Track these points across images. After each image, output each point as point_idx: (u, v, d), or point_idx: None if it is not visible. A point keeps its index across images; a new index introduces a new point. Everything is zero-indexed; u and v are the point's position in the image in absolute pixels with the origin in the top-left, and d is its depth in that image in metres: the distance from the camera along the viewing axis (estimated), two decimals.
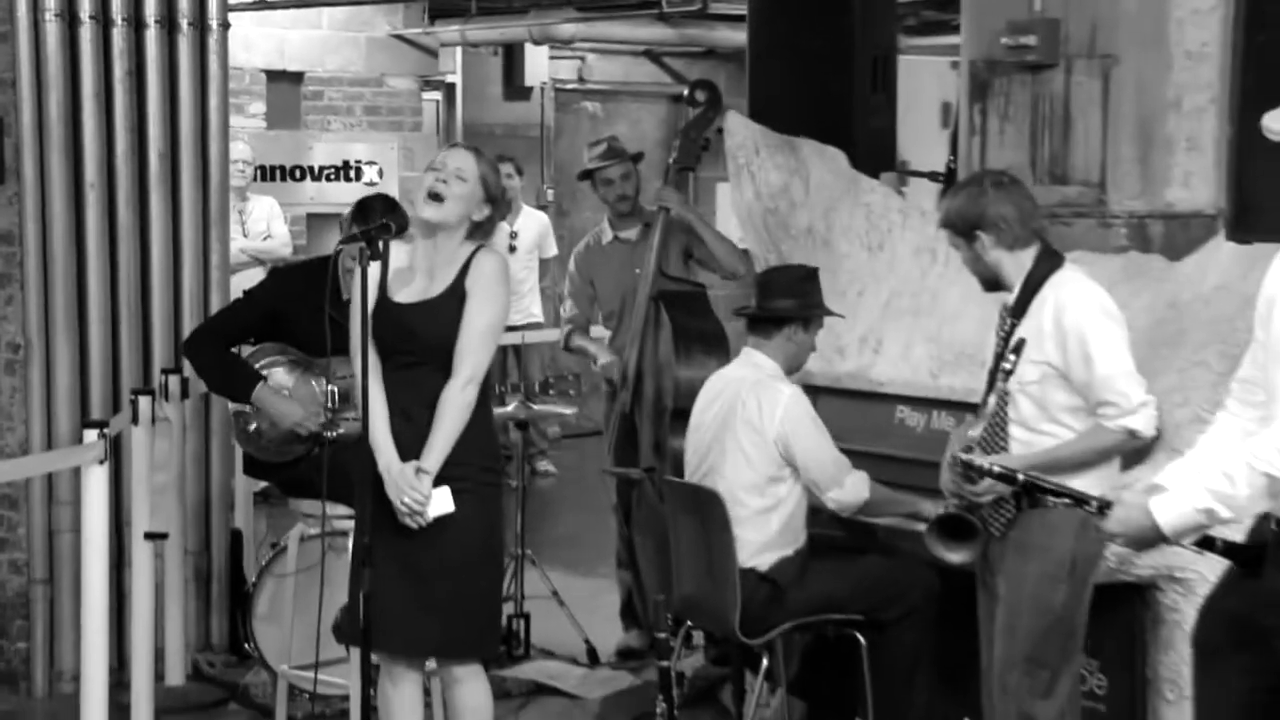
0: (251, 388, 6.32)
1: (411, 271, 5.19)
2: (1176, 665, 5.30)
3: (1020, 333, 4.98)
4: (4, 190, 7.07)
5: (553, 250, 11.67)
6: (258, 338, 6.53)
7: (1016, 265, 5.05)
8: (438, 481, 5.06)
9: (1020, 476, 4.53)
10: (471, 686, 5.28)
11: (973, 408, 5.17)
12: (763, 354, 6.07)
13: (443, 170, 5.10)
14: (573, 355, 8.00)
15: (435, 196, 5.08)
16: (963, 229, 5.07)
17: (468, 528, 5.14)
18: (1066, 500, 4.42)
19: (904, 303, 6.69)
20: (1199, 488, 3.97)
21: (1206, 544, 4.13)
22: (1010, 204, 5.07)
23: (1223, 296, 5.70)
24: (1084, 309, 4.94)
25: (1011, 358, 4.93)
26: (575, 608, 7.63)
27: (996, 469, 4.61)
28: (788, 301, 6.09)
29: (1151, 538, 4.07)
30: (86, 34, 7.04)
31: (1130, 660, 5.67)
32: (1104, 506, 4.19)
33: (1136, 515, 4.07)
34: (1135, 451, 5.13)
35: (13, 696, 7.08)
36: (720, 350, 7.11)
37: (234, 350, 6.51)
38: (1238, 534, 4.22)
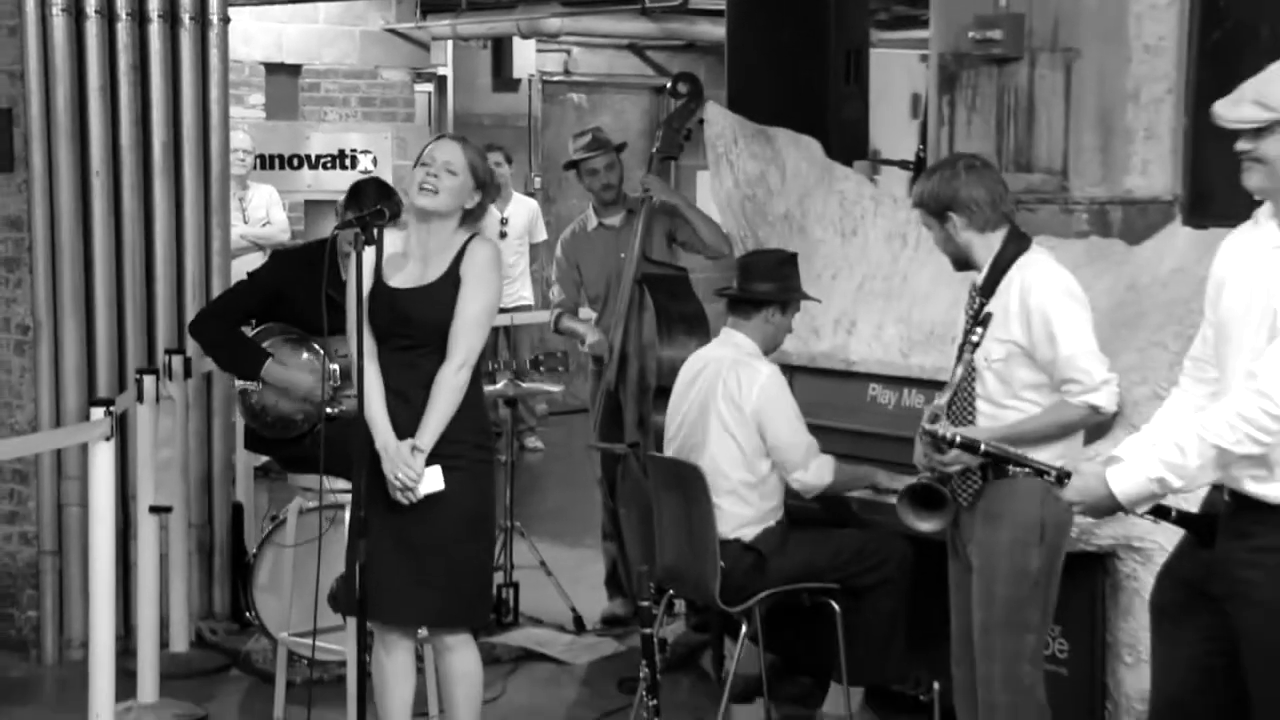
0: (260, 364, 6.32)
1: (406, 257, 5.19)
2: (1135, 631, 5.32)
3: (995, 310, 4.98)
4: (13, 178, 7.08)
5: (542, 235, 11.68)
6: (260, 318, 6.54)
7: (986, 246, 5.02)
8: (431, 460, 5.07)
9: (982, 446, 4.56)
10: (462, 654, 5.29)
11: (942, 386, 5.19)
12: (742, 334, 6.09)
13: (433, 164, 5.10)
14: (561, 336, 8.02)
15: (428, 190, 5.11)
16: (936, 210, 5.04)
17: (460, 503, 5.15)
18: (1026, 470, 4.45)
19: (876, 285, 6.71)
20: (1152, 458, 4.00)
21: (1162, 513, 4.17)
22: (982, 187, 5.07)
23: (1179, 279, 5.72)
24: (1049, 290, 4.94)
25: (979, 330, 4.94)
26: (562, 577, 7.65)
27: (959, 438, 4.64)
28: (767, 285, 6.10)
29: (1108, 506, 4.10)
30: (92, 28, 7.04)
31: (1091, 626, 5.70)
32: (1063, 476, 4.22)
33: (1094, 484, 4.10)
34: (1097, 427, 5.16)
35: (23, 663, 7.09)
36: (701, 331, 7.13)
37: (239, 330, 6.52)
38: (1192, 505, 4.27)
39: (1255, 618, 4.00)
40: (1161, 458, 3.97)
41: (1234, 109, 3.92)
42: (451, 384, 5.10)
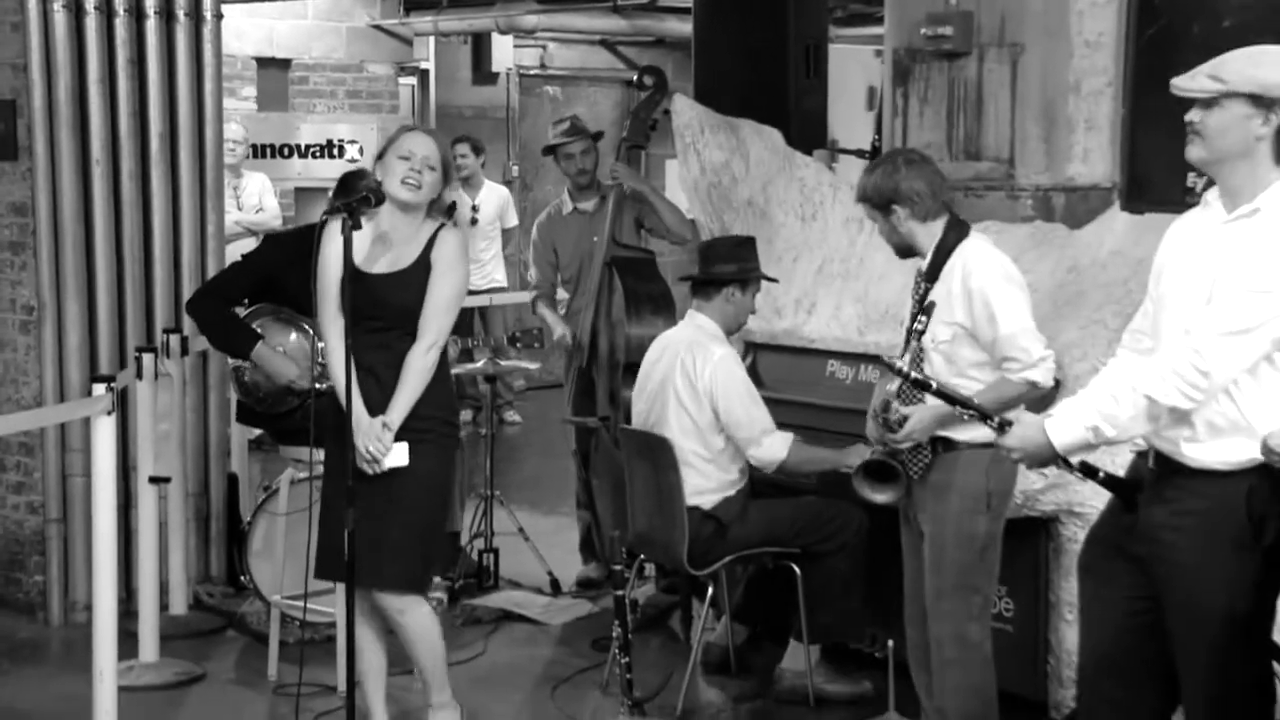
0: (251, 345, 6.32)
1: (376, 243, 5.19)
2: (1076, 590, 5.35)
3: (932, 296, 5.00)
4: (17, 166, 7.05)
5: (513, 220, 11.67)
6: (253, 299, 6.53)
7: (928, 234, 5.04)
8: (399, 435, 5.09)
9: (934, 385, 4.57)
10: (414, 615, 5.27)
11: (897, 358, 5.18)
12: (704, 315, 6.09)
13: (413, 160, 5.11)
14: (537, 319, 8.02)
15: (412, 185, 5.11)
16: (879, 203, 5.05)
17: (424, 474, 5.17)
18: (973, 412, 4.46)
19: (834, 268, 6.73)
20: (1088, 408, 4.01)
21: (1090, 473, 4.18)
22: (922, 180, 5.08)
23: (1118, 261, 5.75)
24: (989, 274, 4.95)
25: (922, 319, 4.97)
26: (539, 543, 7.64)
27: (914, 376, 4.64)
28: (727, 266, 6.10)
29: (1046, 454, 4.11)
30: (91, 24, 7.01)
31: (1035, 586, 5.73)
32: (1004, 424, 4.23)
33: (1033, 433, 4.11)
34: (1039, 399, 5.18)
35: (31, 625, 7.08)
36: (667, 310, 7.13)
37: (233, 309, 6.51)
38: (1119, 468, 4.29)
39: (1176, 577, 4.02)
40: (1096, 408, 3.99)
41: (1190, 80, 3.93)
42: (421, 365, 5.12)
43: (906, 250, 5.12)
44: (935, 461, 5.02)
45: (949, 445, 4.99)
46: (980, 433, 4.64)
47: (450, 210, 5.54)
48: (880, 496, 5.08)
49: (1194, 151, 3.96)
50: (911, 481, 5.07)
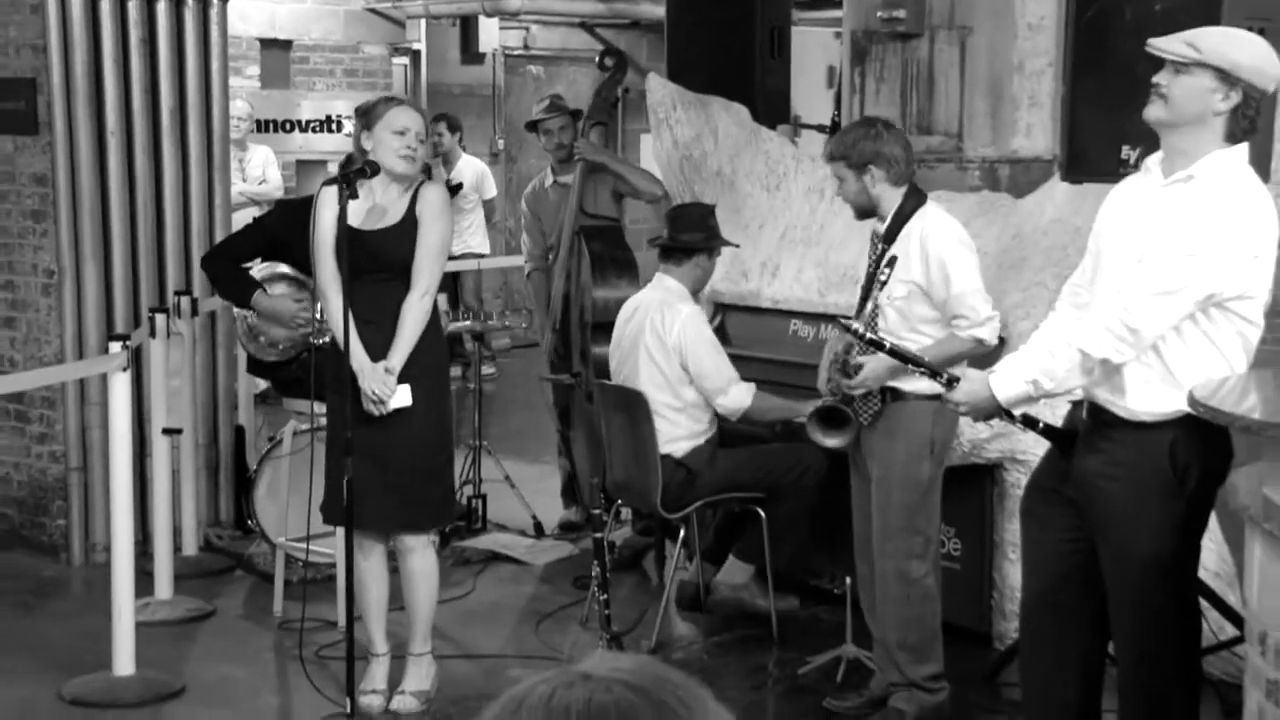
0: (250, 293, 6.36)
1: (369, 209, 5.21)
2: (1018, 532, 5.38)
3: (893, 254, 5.01)
4: (38, 140, 7.03)
5: (492, 191, 11.57)
6: (265, 258, 6.55)
7: (893, 198, 5.02)
8: (401, 379, 5.10)
9: (887, 344, 4.59)
10: (421, 555, 5.31)
11: (852, 319, 5.19)
12: (672, 278, 6.10)
13: (407, 135, 5.13)
14: (529, 282, 8.02)
15: (408, 158, 5.14)
16: (858, 162, 4.99)
17: (423, 416, 5.17)
18: (922, 370, 4.50)
19: (797, 234, 6.74)
20: (1028, 363, 4.05)
21: (1030, 423, 4.21)
22: (899, 146, 5.07)
23: (1058, 228, 5.77)
24: (945, 238, 4.97)
25: (886, 270, 4.97)
26: (524, 489, 7.65)
27: (869, 336, 4.66)
28: (696, 235, 6.11)
29: (990, 407, 4.14)
30: (106, 6, 6.97)
31: (981, 528, 5.78)
32: (952, 380, 4.26)
33: (978, 387, 4.14)
34: (984, 356, 5.20)
35: (55, 565, 7.09)
36: (631, 274, 7.12)
37: (240, 266, 6.52)
38: (1057, 419, 4.32)
39: (1108, 521, 4.06)
40: (1035, 363, 4.02)
41: (1168, 42, 3.90)
42: (417, 310, 5.14)
43: (867, 211, 5.10)
44: (884, 410, 5.05)
45: (897, 395, 5.02)
46: (926, 384, 4.67)
47: (455, 190, 5.58)
48: (831, 441, 5.10)
49: (1153, 111, 3.92)
50: (861, 428, 5.10)
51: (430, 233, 5.16)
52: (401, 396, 5.09)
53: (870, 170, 5.00)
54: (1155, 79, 3.91)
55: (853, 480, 5.30)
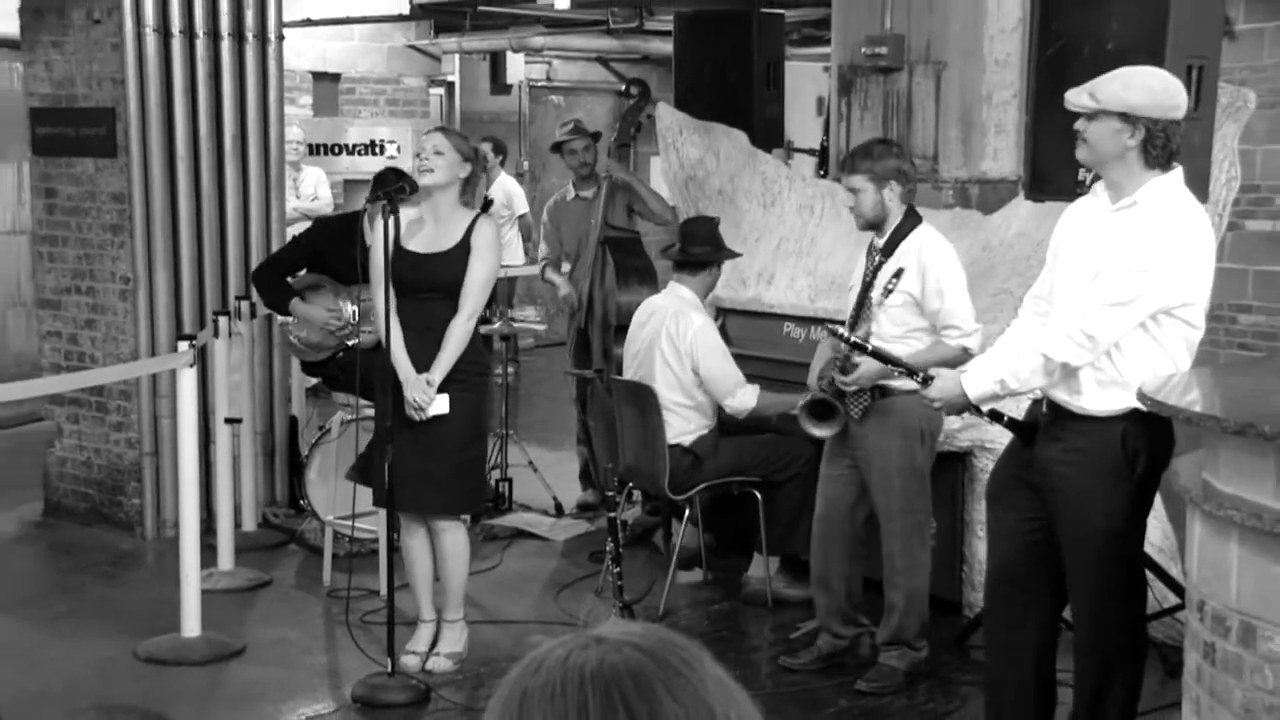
0: (287, 301, 6.40)
1: (420, 224, 5.20)
2: (986, 512, 5.39)
3: (889, 267, 4.99)
4: (116, 162, 7.05)
5: (524, 208, 11.60)
6: (309, 269, 6.56)
7: (897, 214, 5.00)
8: (440, 389, 5.10)
9: (870, 347, 4.61)
10: (453, 535, 5.31)
11: (840, 324, 5.19)
12: (685, 287, 6.11)
13: (425, 152, 5.15)
14: (545, 285, 8.03)
15: (426, 170, 5.13)
16: (882, 176, 4.94)
17: (461, 417, 5.17)
18: (901, 370, 4.51)
19: (790, 246, 6.74)
20: (996, 365, 4.07)
21: (997, 417, 4.23)
22: (912, 167, 5.08)
23: (1022, 241, 5.77)
24: (942, 258, 4.96)
25: (894, 280, 4.95)
26: (546, 473, 7.66)
27: (854, 340, 4.69)
28: (707, 248, 6.13)
29: (962, 403, 4.16)
30: (177, 45, 7.00)
31: (953, 509, 5.77)
32: (928, 378, 4.27)
33: (951, 385, 4.16)
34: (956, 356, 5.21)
35: (130, 539, 7.12)
36: (650, 281, 7.15)
37: (287, 278, 6.54)
38: (1020, 413, 4.32)
39: (1065, 503, 4.07)
40: (1003, 365, 4.04)
41: (1076, 96, 3.96)
42: (461, 332, 5.14)
43: (875, 224, 5.03)
44: (874, 405, 5.05)
45: (885, 392, 5.02)
46: (910, 384, 4.67)
47: (486, 206, 5.57)
48: (820, 431, 5.10)
49: (1081, 153, 4.00)
50: (850, 421, 5.10)
51: (480, 265, 5.13)
52: (439, 405, 5.09)
53: (890, 185, 4.97)
54: (1076, 126, 3.96)
55: (825, 468, 5.28)
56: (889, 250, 4.99)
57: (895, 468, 5.06)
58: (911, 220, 5.02)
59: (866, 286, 5.03)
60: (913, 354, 4.85)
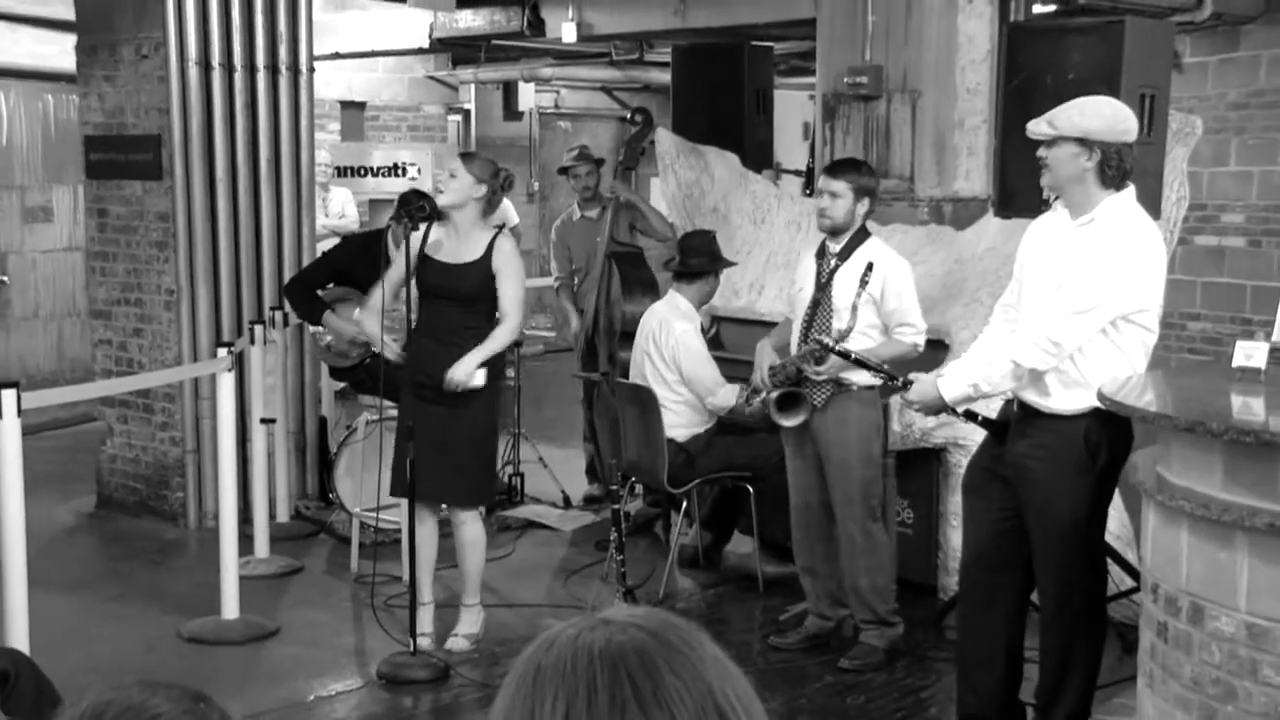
0: (320, 314, 6.41)
1: (444, 240, 5.22)
2: (960, 503, 5.40)
3: (847, 270, 4.99)
4: (161, 184, 7.06)
5: (514, 220, 11.50)
6: (336, 283, 6.56)
7: (856, 226, 5.05)
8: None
9: (852, 355, 4.63)
10: (470, 526, 5.31)
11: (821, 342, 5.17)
12: (682, 296, 6.12)
13: (442, 174, 5.21)
14: (556, 299, 8.02)
15: (440, 192, 5.16)
16: (860, 189, 5.00)
17: (475, 418, 5.17)
18: (884, 374, 4.52)
19: (779, 259, 6.76)
20: (970, 370, 4.08)
21: (971, 416, 4.24)
22: (879, 190, 5.19)
23: (991, 255, 5.78)
24: (897, 264, 5.00)
25: (868, 277, 4.96)
26: (555, 469, 7.67)
27: (838, 348, 4.71)
28: (704, 259, 6.14)
29: (938, 405, 4.17)
30: (217, 77, 7.01)
31: (929, 500, 5.78)
32: (906, 383, 4.28)
33: (928, 388, 4.17)
34: (929, 361, 5.21)
35: (174, 529, 7.12)
36: (653, 292, 7.13)
37: (316, 291, 6.55)
38: (992, 414, 4.33)
39: (1034, 494, 4.08)
40: (976, 369, 4.05)
41: (1036, 125, 3.98)
42: (505, 333, 5.15)
43: (840, 229, 5.05)
44: (835, 398, 5.04)
45: (843, 386, 5.03)
46: (868, 378, 4.72)
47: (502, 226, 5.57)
48: (788, 421, 5.11)
49: (1044, 179, 4.03)
50: (814, 410, 5.09)
51: (511, 282, 5.14)
52: (478, 379, 5.10)
53: (865, 200, 5.04)
54: (1038, 153, 3.98)
55: (791, 463, 5.29)
56: (845, 255, 5.01)
57: (854, 458, 5.08)
58: (864, 233, 5.08)
59: (824, 286, 5.02)
60: (870, 348, 4.88)
